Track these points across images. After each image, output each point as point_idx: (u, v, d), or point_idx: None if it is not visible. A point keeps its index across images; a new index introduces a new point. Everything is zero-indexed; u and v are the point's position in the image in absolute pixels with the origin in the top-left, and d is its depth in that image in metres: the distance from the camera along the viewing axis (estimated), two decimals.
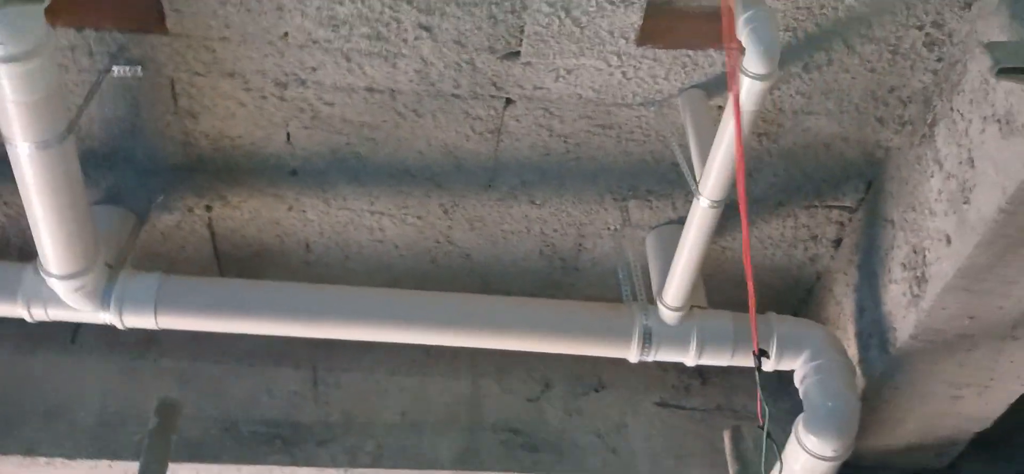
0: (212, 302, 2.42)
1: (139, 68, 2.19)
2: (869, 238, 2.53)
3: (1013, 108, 1.94)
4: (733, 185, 2.15)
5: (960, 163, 2.12)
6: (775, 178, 2.52)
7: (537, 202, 2.58)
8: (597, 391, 2.95)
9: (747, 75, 1.92)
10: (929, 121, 2.28)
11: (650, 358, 2.50)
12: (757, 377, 1.95)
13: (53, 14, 2.08)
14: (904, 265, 2.34)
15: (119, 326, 2.41)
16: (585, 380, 2.97)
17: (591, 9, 2.08)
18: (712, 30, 2.06)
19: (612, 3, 2.07)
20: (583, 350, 2.51)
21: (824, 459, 2.42)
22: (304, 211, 2.59)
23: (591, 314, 2.50)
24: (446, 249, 2.73)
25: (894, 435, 2.67)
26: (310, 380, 2.87)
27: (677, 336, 2.48)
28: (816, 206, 2.62)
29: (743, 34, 1.92)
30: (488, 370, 2.94)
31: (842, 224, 2.66)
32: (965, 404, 2.52)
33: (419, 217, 2.62)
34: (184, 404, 2.62)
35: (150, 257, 2.70)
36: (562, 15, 2.10)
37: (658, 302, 2.45)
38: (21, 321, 2.38)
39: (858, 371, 2.56)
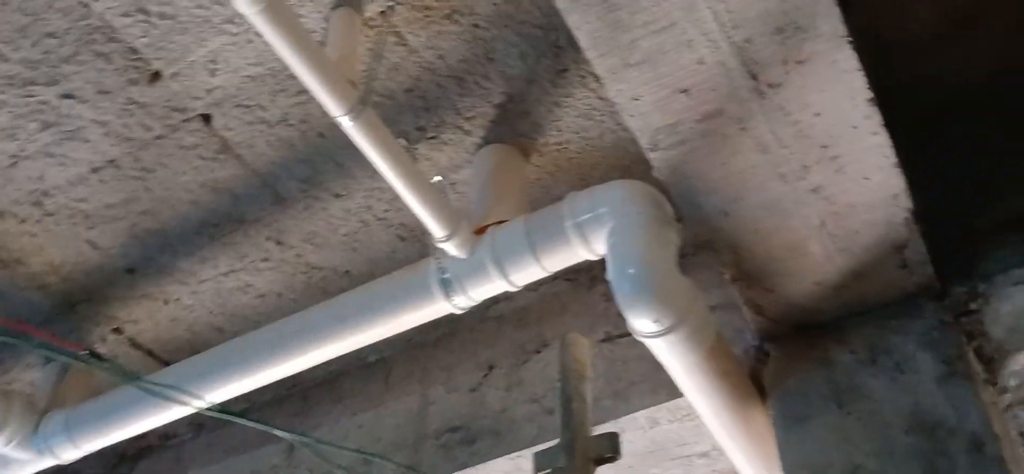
0: (110, 410, 2.59)
1: None
2: None
3: None
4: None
5: None
6: (517, 48, 2.10)
7: (340, 193, 2.42)
8: (538, 352, 2.60)
9: None
10: None
11: (467, 303, 2.18)
12: None
13: None
14: None
15: (64, 463, 2.68)
16: (527, 346, 2.63)
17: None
18: None
19: None
20: (400, 326, 2.26)
21: (656, 334, 1.90)
22: (178, 299, 2.69)
23: (395, 284, 2.26)
24: (320, 276, 2.65)
25: (816, 267, 2.00)
26: (288, 448, 2.89)
27: (475, 268, 2.13)
28: None
29: None
30: (436, 376, 2.74)
31: None
32: (833, 191, 1.83)
33: (264, 259, 2.58)
34: None
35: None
36: (155, 18, 2.01)
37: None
38: None
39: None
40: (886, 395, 1.99)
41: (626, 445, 2.45)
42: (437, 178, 2.38)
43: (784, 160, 1.78)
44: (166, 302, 2.69)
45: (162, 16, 2.01)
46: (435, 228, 2.09)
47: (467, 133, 2.26)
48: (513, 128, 2.26)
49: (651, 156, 1.79)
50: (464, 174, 2.35)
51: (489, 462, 2.46)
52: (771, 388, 2.15)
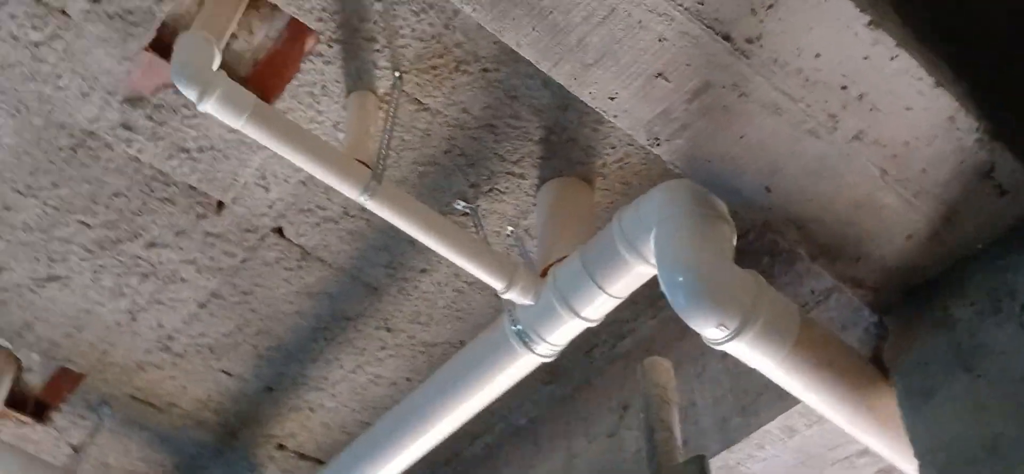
0: None
1: (107, 408, 2.72)
2: None
3: None
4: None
5: None
6: (536, 78, 2.00)
7: (425, 268, 2.41)
8: None
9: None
10: None
11: (550, 350, 2.09)
12: None
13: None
14: None
15: None
16: None
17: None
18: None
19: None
20: (499, 387, 2.19)
21: (727, 338, 1.72)
22: (322, 405, 2.77)
23: (479, 347, 2.21)
24: (439, 352, 2.64)
25: (899, 220, 1.74)
26: None
27: (544, 311, 2.04)
28: None
29: None
30: (577, 427, 2.64)
31: None
32: (878, 133, 1.58)
33: (381, 348, 2.61)
34: None
35: None
36: (194, 152, 2.12)
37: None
38: None
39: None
40: (1017, 346, 1.68)
41: (768, 461, 2.25)
42: (510, 229, 2.32)
43: (806, 115, 1.57)
44: (312, 410, 2.78)
45: (201, 149, 2.11)
46: (491, 281, 2.03)
47: (521, 177, 2.19)
48: (566, 158, 2.16)
49: (657, 151, 1.64)
50: (533, 218, 2.27)
51: None
52: (891, 365, 1.88)
